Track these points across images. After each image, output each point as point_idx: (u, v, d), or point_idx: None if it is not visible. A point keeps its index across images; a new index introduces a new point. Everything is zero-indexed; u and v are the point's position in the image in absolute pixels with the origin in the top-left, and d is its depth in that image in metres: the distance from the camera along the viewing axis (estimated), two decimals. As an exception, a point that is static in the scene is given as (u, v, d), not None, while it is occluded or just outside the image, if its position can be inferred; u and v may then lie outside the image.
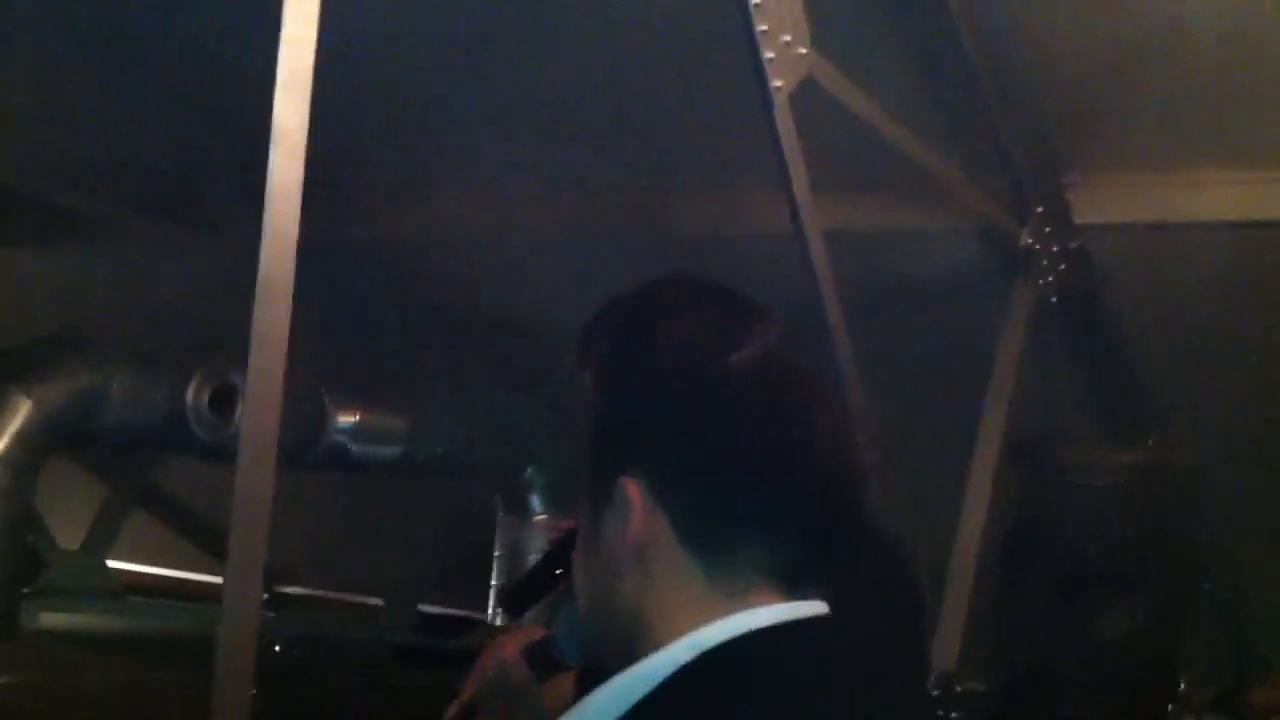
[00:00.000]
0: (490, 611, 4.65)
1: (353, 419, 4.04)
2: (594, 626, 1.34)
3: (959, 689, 3.50)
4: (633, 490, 1.24)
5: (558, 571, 1.70)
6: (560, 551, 1.63)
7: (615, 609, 1.28)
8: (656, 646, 1.23)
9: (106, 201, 4.63)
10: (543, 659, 1.90)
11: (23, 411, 3.31)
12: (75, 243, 5.01)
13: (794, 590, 1.25)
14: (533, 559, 4.61)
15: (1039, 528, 3.39)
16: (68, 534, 4.64)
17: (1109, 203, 3.70)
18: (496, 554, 4.68)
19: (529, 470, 4.61)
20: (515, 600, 1.99)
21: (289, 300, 1.90)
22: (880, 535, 2.19)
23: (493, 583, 4.67)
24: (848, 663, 1.27)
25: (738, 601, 1.23)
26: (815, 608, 1.26)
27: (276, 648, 3.94)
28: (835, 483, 1.27)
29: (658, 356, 1.32)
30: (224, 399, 3.53)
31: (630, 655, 1.25)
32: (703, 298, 1.72)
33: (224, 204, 4.50)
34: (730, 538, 1.23)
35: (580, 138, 3.90)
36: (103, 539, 4.76)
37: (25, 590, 3.75)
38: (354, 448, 4.06)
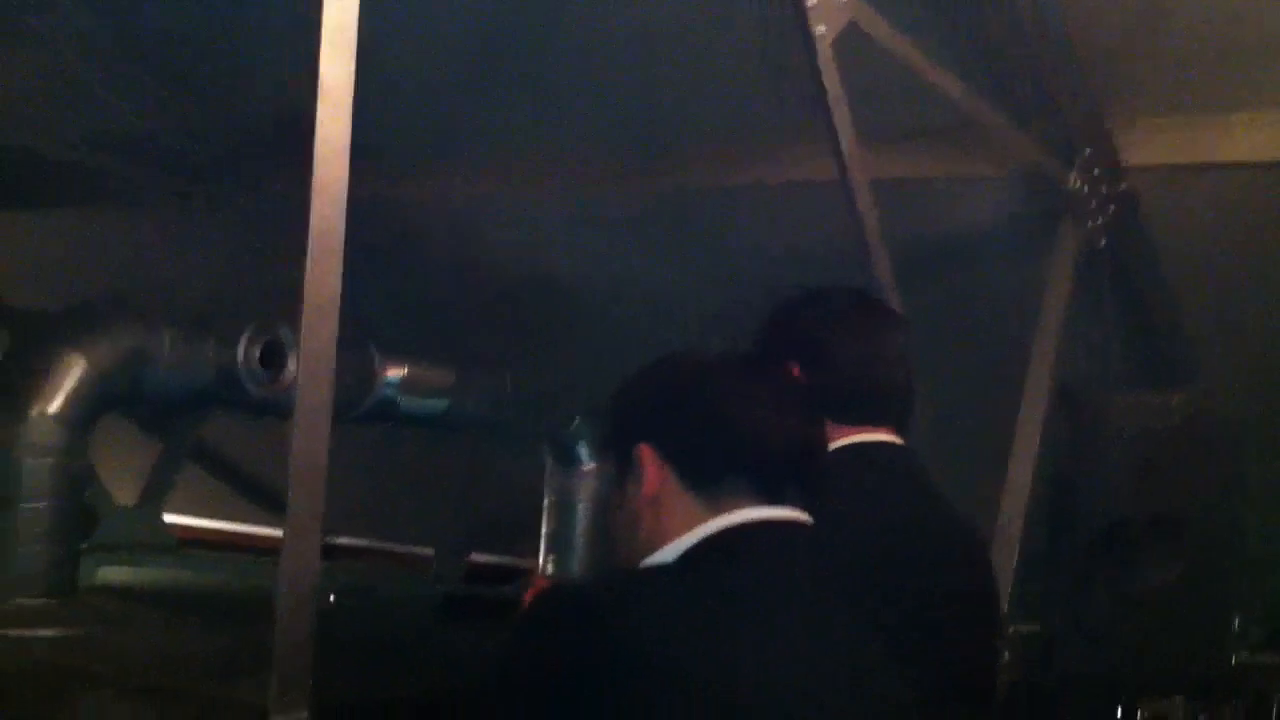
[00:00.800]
0: (540, 560, 4.68)
1: (401, 373, 4.06)
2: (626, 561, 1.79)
3: (1011, 630, 3.51)
4: (646, 454, 1.75)
5: None
6: None
7: (639, 545, 1.75)
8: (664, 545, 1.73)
9: (146, 167, 4.66)
10: None
11: (76, 370, 3.34)
12: (111, 206, 5.05)
13: (772, 504, 1.72)
14: (582, 508, 4.64)
15: (1088, 472, 3.38)
16: (123, 491, 4.71)
17: (1153, 145, 3.67)
18: (545, 503, 4.71)
19: (575, 421, 4.63)
20: None
21: (340, 254, 1.91)
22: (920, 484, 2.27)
23: (543, 531, 4.71)
24: (816, 545, 1.73)
25: (727, 513, 1.71)
26: (791, 512, 1.73)
27: (331, 598, 3.99)
28: (788, 432, 1.77)
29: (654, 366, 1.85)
30: (274, 355, 3.56)
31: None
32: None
33: (263, 168, 4.52)
34: (718, 475, 1.73)
35: (606, 94, 3.89)
36: (157, 495, 4.82)
37: (83, 546, 3.81)
38: (402, 401, 4.09)
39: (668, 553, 1.71)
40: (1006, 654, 3.47)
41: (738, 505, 1.72)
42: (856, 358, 2.28)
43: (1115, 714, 3.58)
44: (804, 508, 1.76)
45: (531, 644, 1.61)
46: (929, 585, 2.09)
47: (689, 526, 1.71)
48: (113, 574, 4.10)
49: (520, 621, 1.66)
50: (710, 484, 1.73)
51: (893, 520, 2.15)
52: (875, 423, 2.27)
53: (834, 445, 2.23)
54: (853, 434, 2.25)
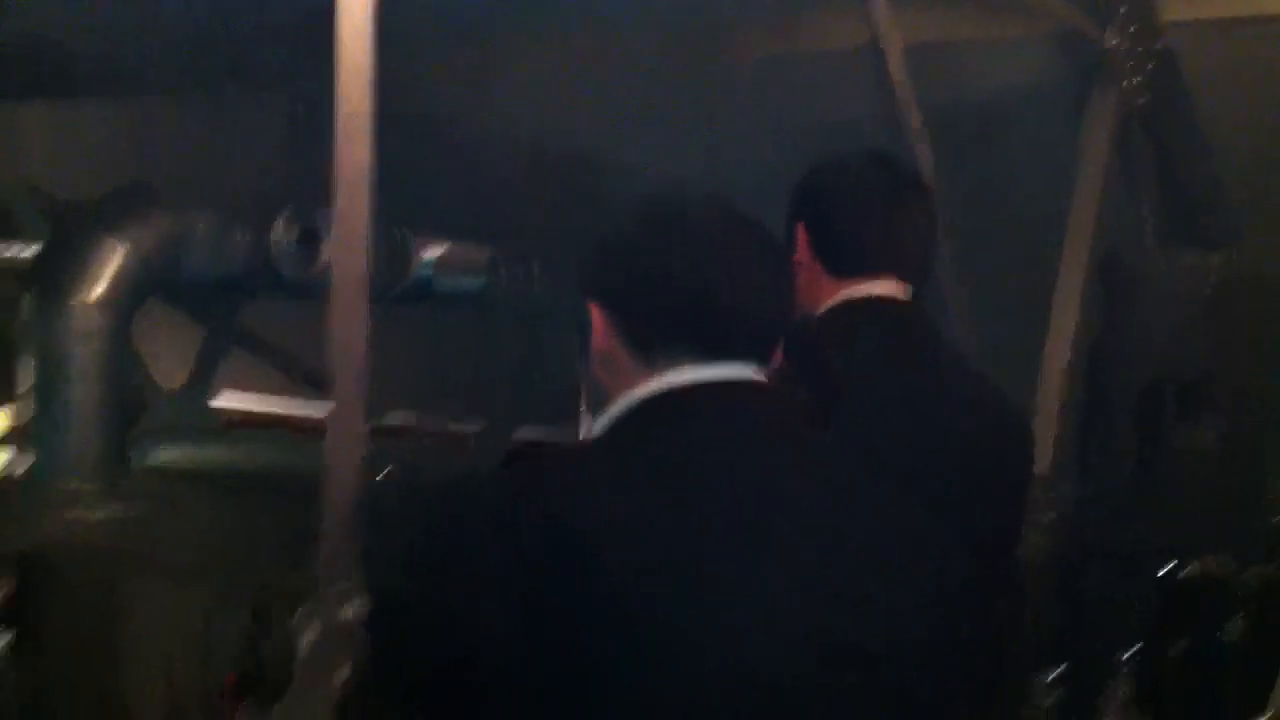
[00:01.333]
0: (581, 434, 4.73)
1: (436, 252, 4.08)
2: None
3: (1051, 494, 3.53)
4: (595, 312, 1.67)
5: None
6: None
7: (602, 398, 1.66)
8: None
9: (177, 55, 4.65)
10: None
11: (116, 258, 3.38)
12: (144, 94, 5.05)
13: (712, 364, 1.60)
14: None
15: (1127, 335, 3.38)
16: (169, 376, 4.77)
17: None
18: (581, 379, 4.74)
19: (613, 296, 4.64)
20: None
21: (368, 133, 1.91)
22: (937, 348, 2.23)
23: (581, 407, 4.75)
24: (777, 407, 1.62)
25: (667, 374, 1.60)
26: (738, 371, 1.60)
27: (377, 477, 4.05)
28: (743, 287, 1.62)
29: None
30: (310, 238, 3.58)
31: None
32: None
33: (294, 54, 4.49)
34: (657, 334, 1.61)
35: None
36: (203, 378, 4.88)
37: (132, 430, 3.88)
38: (439, 280, 4.11)
39: (613, 411, 1.61)
40: (1048, 517, 3.50)
41: (676, 367, 1.59)
42: (853, 203, 2.18)
43: (1156, 576, 3.61)
44: (763, 367, 1.61)
45: (439, 545, 1.53)
46: (925, 449, 2.00)
47: (633, 386, 1.61)
48: (162, 456, 4.18)
49: (435, 516, 1.57)
50: (649, 345, 1.61)
51: (884, 381, 2.06)
52: (875, 271, 2.16)
53: (830, 301, 2.18)
54: (850, 286, 2.16)
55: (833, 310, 2.16)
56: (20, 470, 3.32)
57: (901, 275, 2.18)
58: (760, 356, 1.63)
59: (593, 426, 1.64)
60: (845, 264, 2.18)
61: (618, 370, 1.63)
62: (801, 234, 2.19)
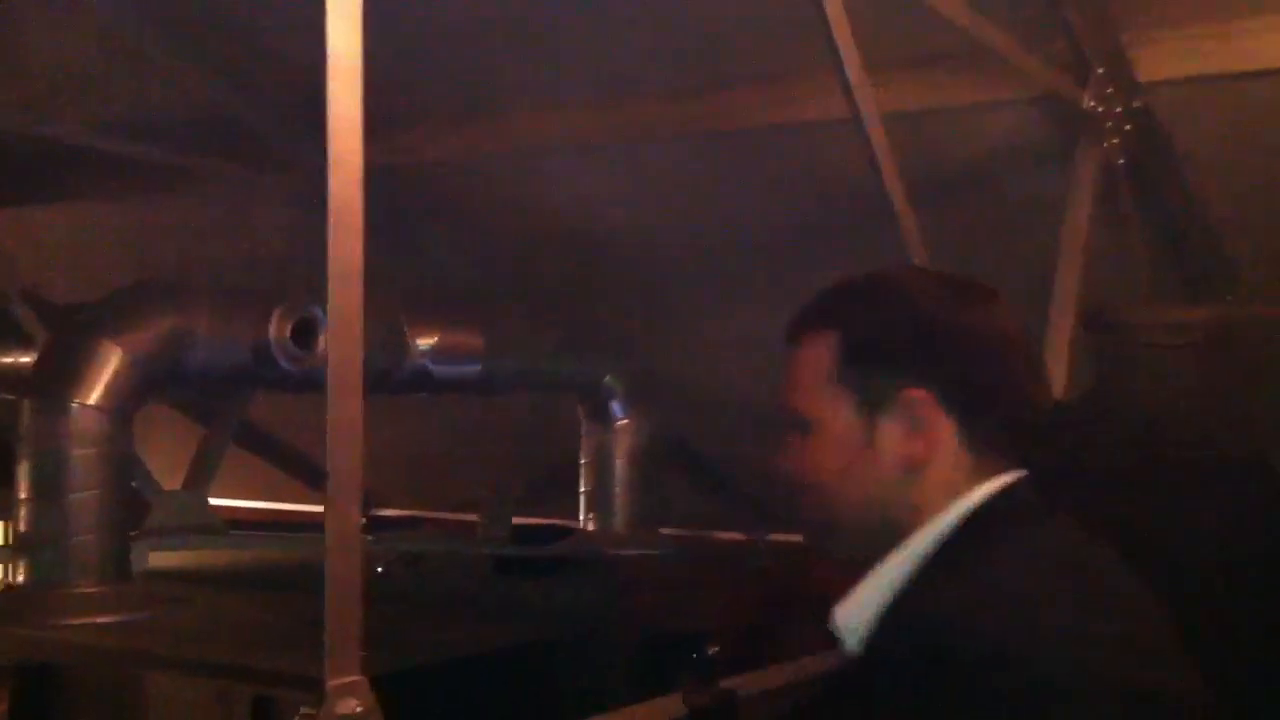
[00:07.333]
0: (581, 519, 4.71)
1: (432, 341, 4.09)
2: (856, 524, 1.59)
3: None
4: (923, 399, 1.53)
5: None
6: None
7: (888, 504, 1.55)
8: (924, 520, 1.54)
9: (174, 150, 4.69)
10: None
11: (114, 361, 3.39)
12: (147, 193, 5.09)
13: (1017, 466, 1.55)
14: (619, 464, 4.66)
15: (1117, 392, 3.37)
16: (169, 476, 4.76)
17: (1168, 58, 3.64)
18: (582, 461, 4.74)
19: (608, 378, 4.65)
20: None
21: (360, 228, 1.92)
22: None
23: (581, 490, 4.74)
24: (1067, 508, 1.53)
25: (988, 476, 1.54)
26: (1021, 474, 1.55)
27: (379, 569, 4.05)
28: (1032, 386, 1.60)
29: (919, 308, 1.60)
30: (306, 331, 3.59)
31: (899, 536, 1.54)
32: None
33: (289, 143, 4.54)
34: (989, 432, 1.55)
35: (630, 39, 3.87)
36: (202, 477, 4.88)
37: (134, 532, 3.87)
38: (435, 369, 4.12)
39: (943, 523, 1.52)
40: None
41: (995, 467, 1.56)
42: None
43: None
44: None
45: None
46: None
47: (953, 489, 1.54)
48: (164, 558, 4.16)
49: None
50: (983, 440, 1.56)
51: None
52: None
53: None
54: None
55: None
56: (22, 576, 3.31)
57: None
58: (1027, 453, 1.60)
59: (924, 534, 1.52)
60: None
61: (937, 461, 1.54)
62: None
